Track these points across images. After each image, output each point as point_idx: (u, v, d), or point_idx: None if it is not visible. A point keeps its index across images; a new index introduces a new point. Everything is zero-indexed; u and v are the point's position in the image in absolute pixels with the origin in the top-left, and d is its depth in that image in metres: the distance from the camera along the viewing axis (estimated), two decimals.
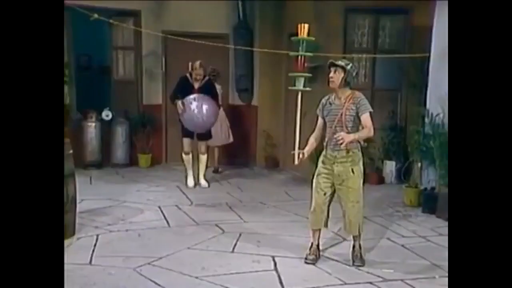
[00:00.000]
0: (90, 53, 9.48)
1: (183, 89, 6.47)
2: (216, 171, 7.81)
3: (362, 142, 4.04)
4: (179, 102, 6.27)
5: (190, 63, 6.68)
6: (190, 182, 6.76)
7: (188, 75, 6.58)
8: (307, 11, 7.27)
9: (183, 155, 6.75)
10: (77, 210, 4.71)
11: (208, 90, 6.51)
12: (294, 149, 4.11)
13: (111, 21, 7.43)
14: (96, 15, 6.44)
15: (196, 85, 6.48)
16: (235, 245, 4.48)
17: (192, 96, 6.29)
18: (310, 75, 4.30)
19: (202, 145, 6.82)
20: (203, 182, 6.83)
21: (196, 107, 6.22)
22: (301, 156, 4.06)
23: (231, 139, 7.84)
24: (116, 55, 8.42)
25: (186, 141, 6.70)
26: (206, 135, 6.82)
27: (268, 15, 8.34)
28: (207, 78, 6.63)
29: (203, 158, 6.84)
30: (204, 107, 6.24)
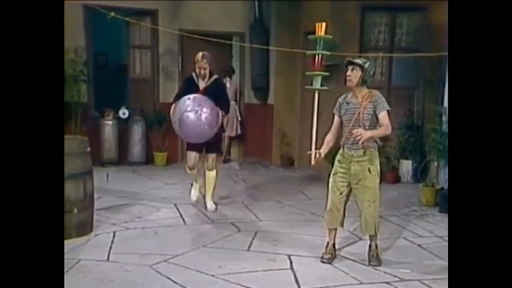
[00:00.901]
0: (107, 52, 9.59)
1: (188, 90, 5.34)
2: (225, 161, 8.57)
3: (378, 141, 4.01)
4: (172, 106, 5.22)
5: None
6: (194, 194, 5.80)
7: (193, 74, 5.50)
8: (323, 10, 7.25)
9: (187, 170, 5.68)
10: (95, 207, 4.77)
11: (216, 90, 5.35)
12: (310, 149, 4.09)
13: (127, 19, 7.51)
14: (113, 14, 6.49)
15: (202, 85, 5.37)
16: (250, 243, 4.49)
17: (187, 97, 5.01)
18: (327, 73, 4.27)
19: (209, 159, 5.55)
20: (209, 204, 5.60)
21: (192, 111, 4.86)
22: (317, 156, 4.04)
23: (239, 131, 8.76)
24: (133, 53, 8.50)
25: (191, 155, 5.50)
26: (215, 147, 5.61)
27: (284, 14, 8.33)
28: (215, 76, 5.50)
29: (211, 174, 5.60)
30: (204, 113, 4.86)
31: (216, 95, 5.28)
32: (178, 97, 5.31)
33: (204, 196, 5.74)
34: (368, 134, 3.77)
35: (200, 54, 5.38)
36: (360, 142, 3.76)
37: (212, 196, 5.68)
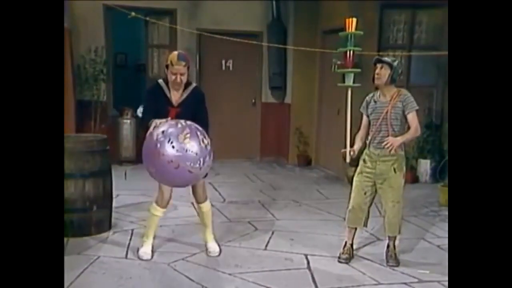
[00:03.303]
0: (127, 52, 9.69)
1: (157, 105, 3.84)
2: None
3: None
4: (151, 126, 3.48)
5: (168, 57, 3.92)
6: (145, 251, 4.06)
7: (160, 81, 3.94)
8: (341, 8, 7.20)
9: (155, 209, 4.09)
10: (113, 205, 4.82)
11: (194, 104, 3.88)
12: (345, 147, 4.06)
13: (147, 18, 7.58)
14: (133, 13, 6.55)
15: (176, 97, 3.87)
16: (267, 242, 4.49)
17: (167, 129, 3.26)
18: (359, 70, 4.20)
19: (198, 188, 4.08)
20: (212, 245, 4.19)
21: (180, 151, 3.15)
22: (351, 153, 4.01)
23: None
24: (152, 53, 8.57)
25: (166, 186, 3.97)
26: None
27: (302, 13, 8.30)
28: (193, 85, 4.00)
29: (207, 207, 4.19)
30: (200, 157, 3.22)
31: (194, 111, 3.80)
32: (148, 113, 3.83)
33: (204, 237, 4.25)
34: (398, 141, 3.79)
35: (176, 54, 3.81)
36: (392, 151, 3.78)
37: (214, 234, 4.29)
